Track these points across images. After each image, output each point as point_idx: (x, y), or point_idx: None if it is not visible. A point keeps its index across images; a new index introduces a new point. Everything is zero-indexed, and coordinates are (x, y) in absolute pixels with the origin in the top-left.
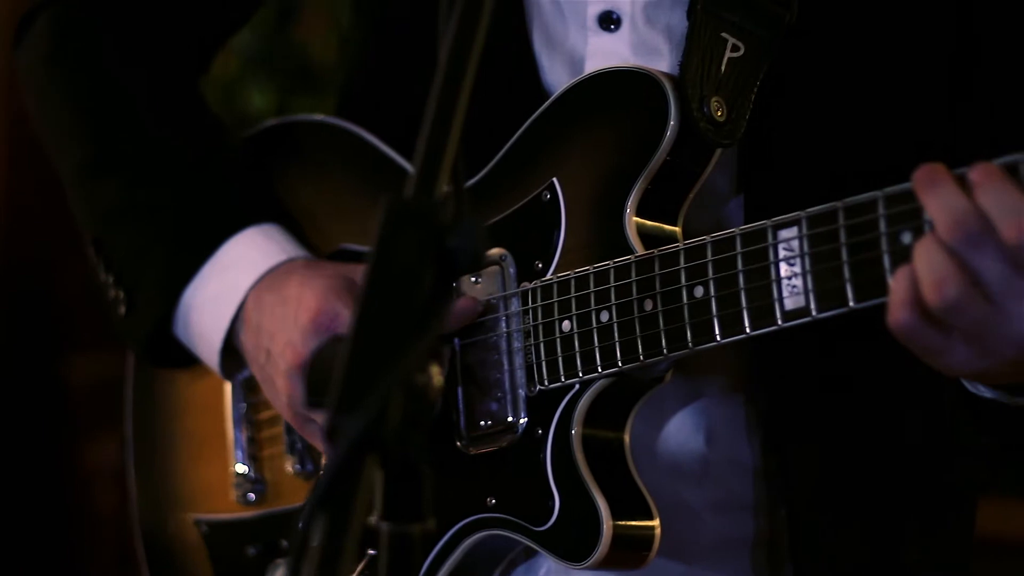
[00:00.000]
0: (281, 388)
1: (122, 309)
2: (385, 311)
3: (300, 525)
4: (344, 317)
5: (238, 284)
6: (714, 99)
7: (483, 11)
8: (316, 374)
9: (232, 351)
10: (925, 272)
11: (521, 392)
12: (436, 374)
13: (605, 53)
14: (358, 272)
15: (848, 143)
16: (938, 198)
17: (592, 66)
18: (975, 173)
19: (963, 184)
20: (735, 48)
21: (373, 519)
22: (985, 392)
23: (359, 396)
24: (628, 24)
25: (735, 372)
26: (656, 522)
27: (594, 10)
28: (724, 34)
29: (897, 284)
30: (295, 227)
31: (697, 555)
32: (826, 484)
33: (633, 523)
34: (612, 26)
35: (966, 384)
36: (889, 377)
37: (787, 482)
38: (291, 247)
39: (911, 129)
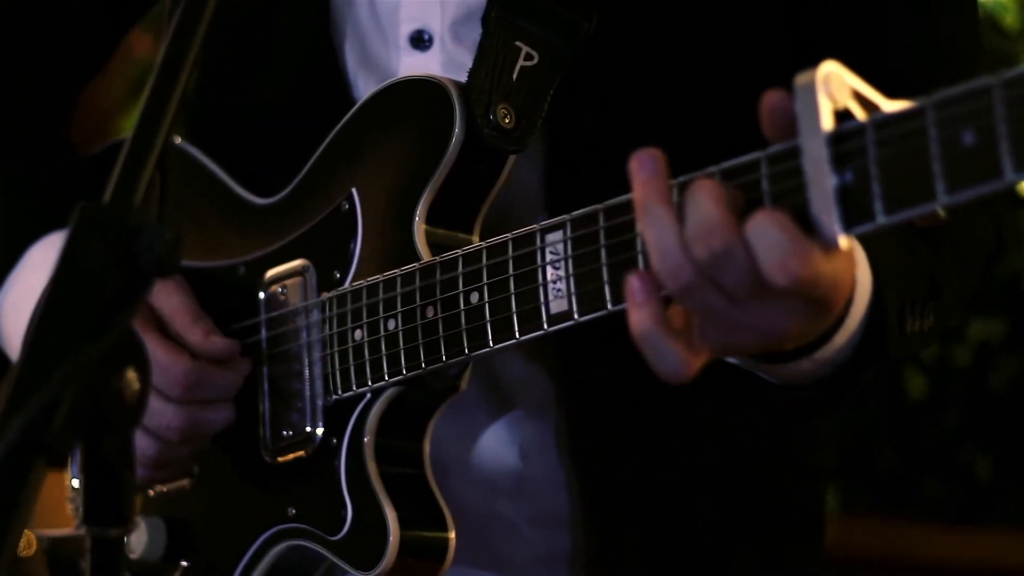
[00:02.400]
0: None
1: None
2: (64, 314)
3: None
4: None
5: (36, 287)
6: (502, 106)
7: (203, 15)
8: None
9: None
10: (658, 255)
11: (319, 402)
12: (132, 379)
13: (417, 72)
14: None
15: (654, 144)
16: (692, 203)
17: None
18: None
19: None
20: (528, 56)
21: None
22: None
23: (28, 397)
24: (439, 43)
25: (546, 386)
26: (450, 533)
27: (406, 29)
28: (518, 42)
29: (638, 287)
30: None
31: (517, 570)
32: (639, 500)
33: (424, 533)
34: (424, 45)
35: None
36: (700, 391)
37: (600, 498)
38: None
39: (722, 128)
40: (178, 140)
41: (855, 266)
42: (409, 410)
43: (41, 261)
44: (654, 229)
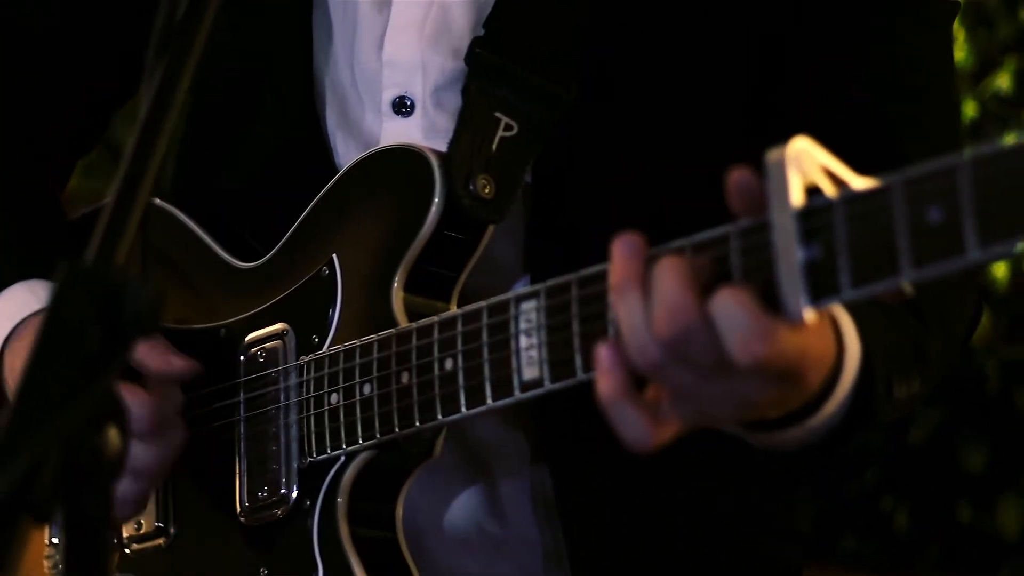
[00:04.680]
0: None
1: None
2: (48, 373)
3: None
4: None
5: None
6: (482, 177)
7: (183, 76)
8: None
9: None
10: (627, 332)
11: (294, 464)
12: (114, 436)
13: (399, 138)
14: None
15: (634, 212)
16: (658, 282)
17: None
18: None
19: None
20: (508, 127)
21: None
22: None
23: (13, 458)
24: (420, 109)
25: (522, 448)
26: None
27: (388, 95)
28: (497, 113)
29: (605, 356)
30: None
31: None
32: (617, 560)
33: None
34: (406, 111)
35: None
36: (676, 450)
37: (578, 559)
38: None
39: (701, 195)
40: (157, 201)
41: (843, 334)
42: (383, 474)
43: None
44: (624, 308)
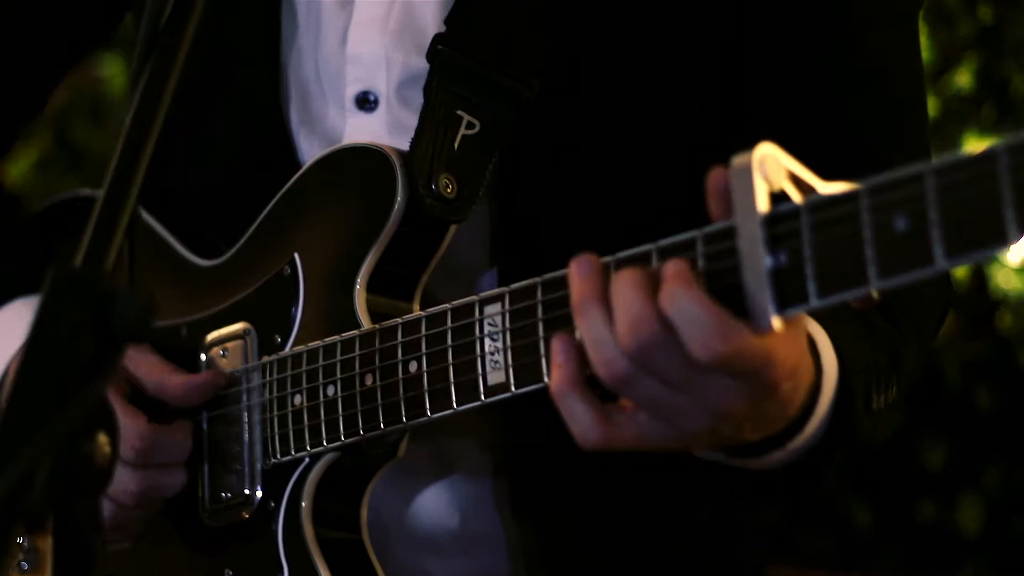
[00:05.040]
0: None
1: None
2: (39, 380)
3: None
4: None
5: (2, 353)
6: (444, 176)
7: (170, 77)
8: None
9: None
10: (591, 345)
11: (258, 465)
12: (104, 443)
13: (362, 133)
14: None
15: (599, 211)
16: (618, 294)
17: None
18: (662, 270)
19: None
20: (470, 125)
21: None
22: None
23: (5, 463)
24: (384, 104)
25: (485, 449)
26: None
27: (352, 90)
28: (459, 111)
29: (561, 355)
30: None
31: None
32: (579, 558)
33: None
34: (369, 106)
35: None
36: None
37: (540, 557)
38: None
39: (665, 194)
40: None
41: (820, 352)
42: (347, 475)
43: (4, 329)
44: (586, 324)
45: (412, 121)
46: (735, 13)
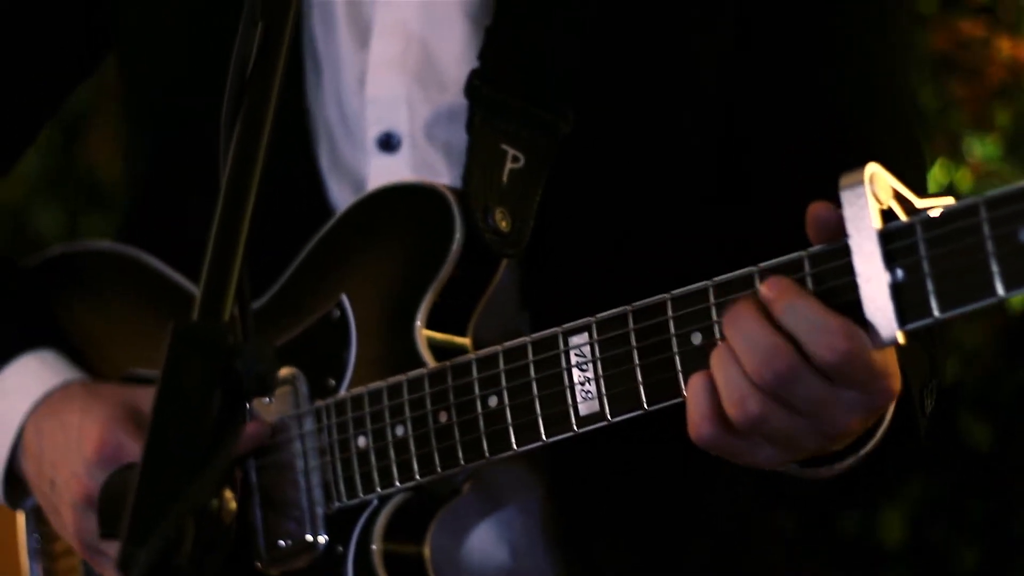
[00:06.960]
0: (68, 520)
1: None
2: (173, 438)
3: None
4: (128, 447)
5: (15, 410)
6: (498, 210)
7: (263, 133)
8: (108, 505)
9: (16, 479)
10: (724, 387)
11: (319, 510)
12: (229, 499)
13: (386, 174)
14: (141, 397)
15: (629, 249)
16: (740, 332)
17: (373, 187)
18: (768, 290)
19: (756, 302)
20: (515, 159)
21: None
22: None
23: (151, 525)
24: (408, 144)
25: (534, 484)
26: None
27: (373, 132)
28: (504, 145)
29: (696, 396)
30: (79, 353)
31: None
32: None
33: None
34: (392, 147)
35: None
36: (686, 473)
37: None
38: (67, 371)
39: (693, 226)
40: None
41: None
42: (412, 515)
43: (14, 387)
44: (720, 371)
45: (437, 160)
46: (735, 27)
